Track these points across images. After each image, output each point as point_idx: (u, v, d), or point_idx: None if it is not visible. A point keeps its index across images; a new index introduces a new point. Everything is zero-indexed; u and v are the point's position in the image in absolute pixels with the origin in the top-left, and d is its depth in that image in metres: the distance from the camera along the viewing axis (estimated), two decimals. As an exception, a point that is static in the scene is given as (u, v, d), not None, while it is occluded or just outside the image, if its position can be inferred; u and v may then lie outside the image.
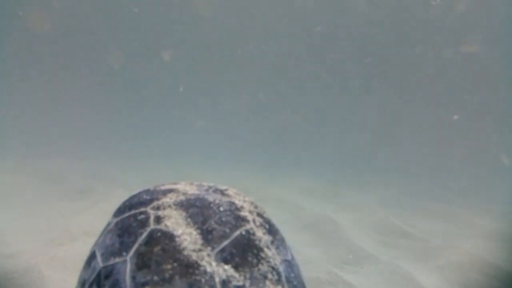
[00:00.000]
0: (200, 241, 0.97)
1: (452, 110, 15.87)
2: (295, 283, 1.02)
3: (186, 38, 17.63)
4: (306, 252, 4.12)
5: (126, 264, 0.94)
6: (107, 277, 0.96)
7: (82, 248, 3.32)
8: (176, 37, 17.62)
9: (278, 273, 0.98)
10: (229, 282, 0.91)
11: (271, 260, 0.99)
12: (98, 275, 0.98)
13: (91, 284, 0.99)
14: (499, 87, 15.66)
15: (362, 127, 15.79)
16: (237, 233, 1.01)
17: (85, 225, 4.15)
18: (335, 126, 16.02)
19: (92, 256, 1.07)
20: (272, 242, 1.06)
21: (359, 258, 4.04)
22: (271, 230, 1.11)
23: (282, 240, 1.14)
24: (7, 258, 3.20)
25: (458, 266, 3.87)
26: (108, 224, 1.13)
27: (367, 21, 16.25)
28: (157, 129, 14.76)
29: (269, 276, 0.96)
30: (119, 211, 1.14)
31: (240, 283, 0.91)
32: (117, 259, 0.97)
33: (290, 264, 1.07)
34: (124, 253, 0.97)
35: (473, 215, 6.38)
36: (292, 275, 1.03)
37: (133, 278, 0.91)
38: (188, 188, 1.18)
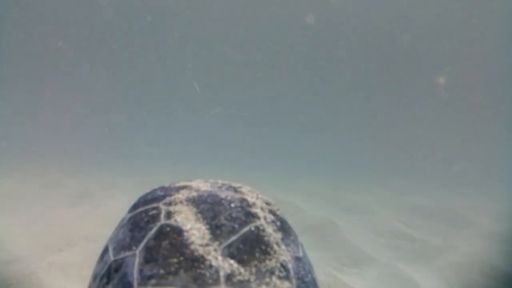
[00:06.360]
0: (208, 236, 0.98)
1: (453, 109, 15.90)
2: (304, 280, 1.02)
3: (189, 35, 17.61)
4: (305, 255, 4.10)
5: (135, 258, 0.96)
6: (116, 270, 0.98)
7: (81, 254, 3.30)
8: (178, 36, 17.60)
9: (287, 270, 0.98)
10: (234, 276, 0.91)
11: (279, 256, 1.00)
12: (109, 268, 1.01)
13: (102, 277, 1.02)
14: (501, 88, 15.69)
15: (363, 128, 15.81)
16: (246, 229, 1.01)
17: (84, 230, 4.14)
18: (336, 127, 16.02)
19: (105, 251, 1.09)
20: (282, 239, 1.06)
21: (358, 260, 4.04)
22: (283, 227, 1.12)
23: (295, 238, 1.14)
24: (5, 264, 3.19)
25: (458, 267, 3.87)
26: (122, 220, 1.15)
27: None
28: (157, 134, 14.75)
29: (276, 272, 0.96)
30: (134, 206, 1.16)
31: (245, 278, 0.92)
32: (127, 253, 0.99)
33: (300, 261, 1.07)
34: (134, 247, 0.99)
35: (472, 216, 6.37)
36: (302, 272, 1.04)
37: (141, 271, 0.93)
38: (202, 185, 1.20)
